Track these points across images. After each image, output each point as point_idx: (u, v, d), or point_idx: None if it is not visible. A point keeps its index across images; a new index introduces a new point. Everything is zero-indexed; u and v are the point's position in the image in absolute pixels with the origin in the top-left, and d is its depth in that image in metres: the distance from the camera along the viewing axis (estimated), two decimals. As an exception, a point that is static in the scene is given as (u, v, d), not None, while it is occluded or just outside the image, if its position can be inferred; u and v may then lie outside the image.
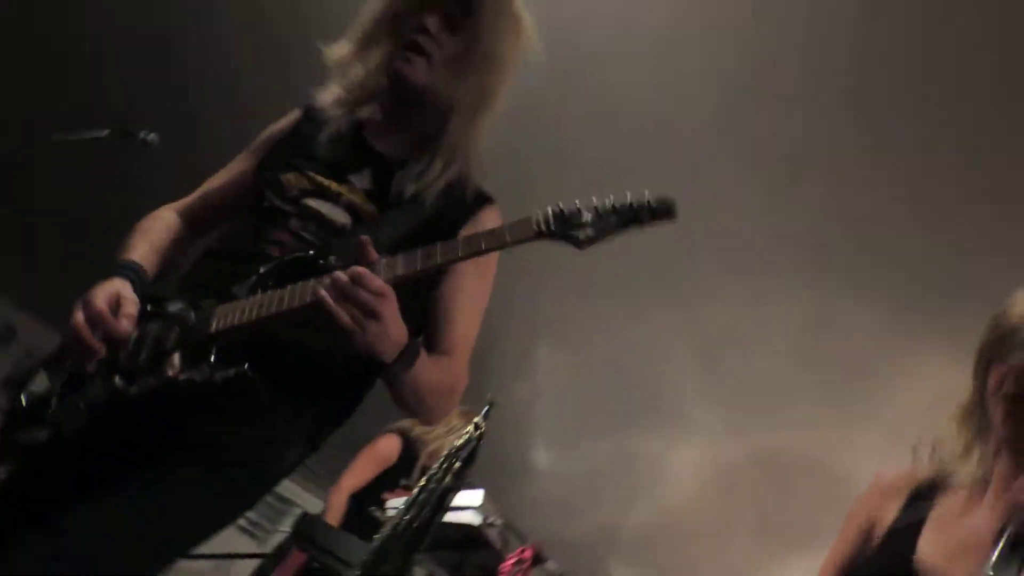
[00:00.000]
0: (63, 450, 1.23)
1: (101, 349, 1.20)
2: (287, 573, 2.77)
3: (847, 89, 2.80)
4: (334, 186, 1.39)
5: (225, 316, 1.22)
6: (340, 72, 1.50)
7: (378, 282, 1.13)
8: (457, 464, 2.34)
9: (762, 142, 3.04)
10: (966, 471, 1.27)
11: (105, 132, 2.23)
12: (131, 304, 1.25)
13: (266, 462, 1.30)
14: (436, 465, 2.39)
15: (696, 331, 3.59)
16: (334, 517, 2.98)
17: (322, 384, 1.34)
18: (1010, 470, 1.22)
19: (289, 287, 1.21)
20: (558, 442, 4.15)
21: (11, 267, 4.64)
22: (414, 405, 1.30)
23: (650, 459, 4.03)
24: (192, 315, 1.26)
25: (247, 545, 4.44)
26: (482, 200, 1.46)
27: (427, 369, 1.26)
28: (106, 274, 1.32)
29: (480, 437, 2.37)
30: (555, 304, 3.68)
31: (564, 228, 1.10)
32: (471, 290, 1.42)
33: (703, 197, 3.08)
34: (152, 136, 2.31)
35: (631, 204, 1.09)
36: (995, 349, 1.24)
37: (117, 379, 1.21)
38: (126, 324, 1.22)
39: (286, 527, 4.55)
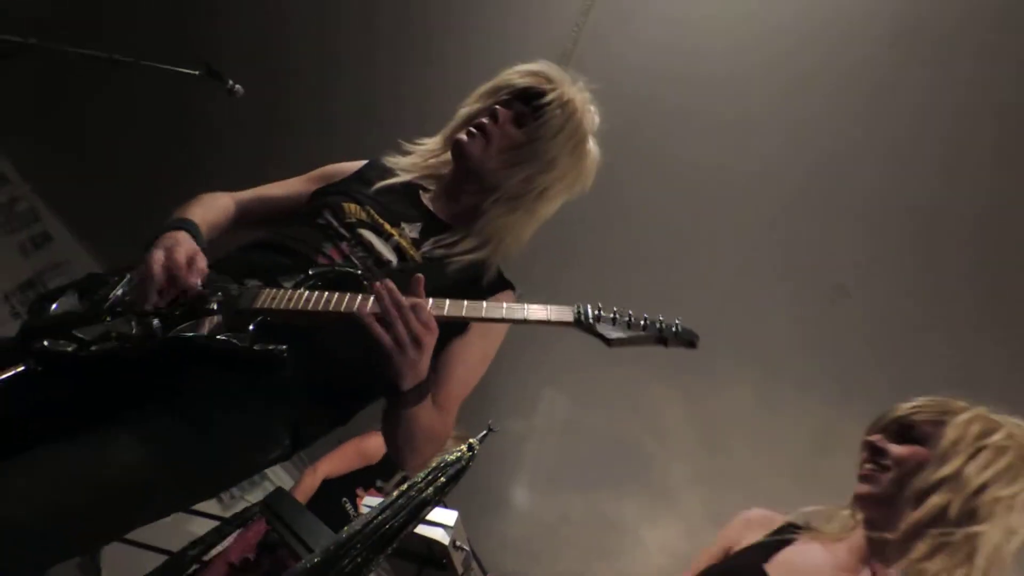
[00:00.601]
0: (74, 370, 1.25)
1: (174, 294, 1.27)
2: (246, 542, 2.76)
3: (908, 223, 2.82)
4: (387, 227, 1.50)
5: (271, 298, 1.29)
6: (419, 156, 1.67)
7: (431, 316, 1.21)
8: (442, 479, 2.34)
9: (810, 254, 3.05)
10: (829, 526, 1.47)
11: (197, 72, 2.28)
12: (204, 261, 1.33)
13: (250, 450, 1.33)
14: (422, 474, 2.38)
15: (700, 416, 3.57)
16: (303, 496, 2.97)
17: (334, 392, 1.41)
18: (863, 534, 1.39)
19: (337, 293, 1.27)
20: (539, 486, 4.12)
21: (60, 175, 4.71)
22: (404, 444, 1.36)
23: (623, 526, 3.99)
24: (237, 287, 1.34)
25: (210, 506, 4.41)
26: (502, 284, 1.57)
27: (427, 412, 1.34)
28: (153, 209, 1.42)
29: (471, 459, 2.37)
30: (569, 354, 3.67)
31: (599, 326, 1.21)
32: (476, 356, 1.51)
33: (736, 289, 3.11)
34: (239, 87, 2.37)
35: (662, 325, 1.22)
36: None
37: (156, 322, 1.26)
38: (196, 280, 1.28)
39: (253, 498, 4.53)
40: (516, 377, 3.57)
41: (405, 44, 3.37)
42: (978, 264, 2.73)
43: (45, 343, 1.25)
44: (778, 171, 3.02)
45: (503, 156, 1.53)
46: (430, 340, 1.22)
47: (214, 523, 3.77)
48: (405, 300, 1.20)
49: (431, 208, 1.60)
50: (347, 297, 1.26)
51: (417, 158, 1.68)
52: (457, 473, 2.35)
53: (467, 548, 2.69)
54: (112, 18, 3.53)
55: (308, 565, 2.14)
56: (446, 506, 2.64)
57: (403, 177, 1.63)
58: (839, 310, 3.09)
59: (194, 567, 2.87)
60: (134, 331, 1.26)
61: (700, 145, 3.10)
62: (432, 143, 1.69)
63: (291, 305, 1.27)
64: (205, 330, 1.25)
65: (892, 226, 2.90)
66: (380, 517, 2.24)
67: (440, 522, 2.59)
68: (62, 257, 4.96)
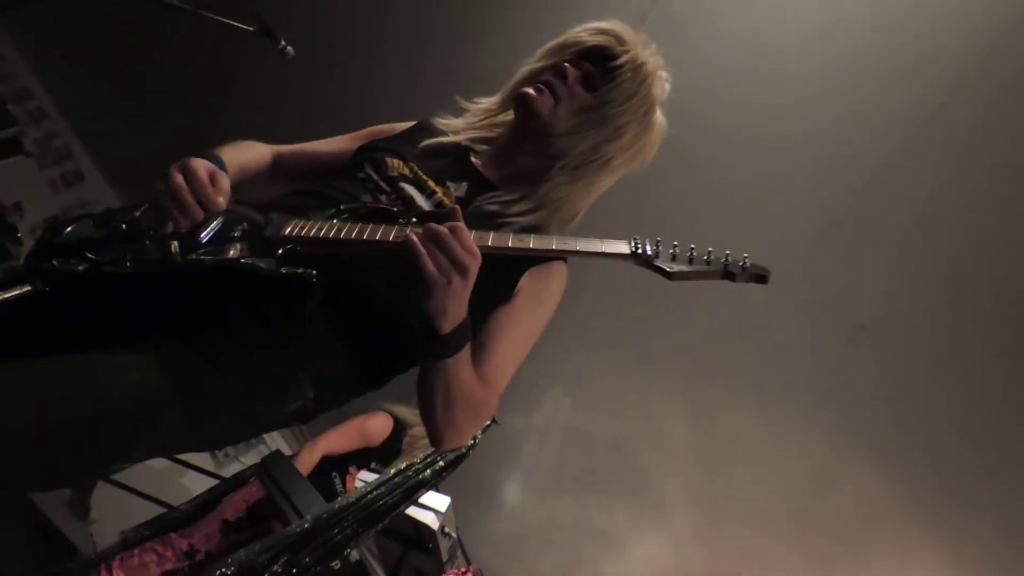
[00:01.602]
0: (85, 290, 1.18)
1: (197, 213, 1.19)
2: (239, 502, 2.76)
3: (935, 276, 2.79)
4: (431, 183, 1.42)
5: (299, 227, 1.21)
6: (473, 115, 1.58)
7: (473, 242, 1.13)
8: (441, 463, 2.35)
9: (834, 291, 3.03)
10: None
11: (252, 28, 2.28)
12: (226, 181, 1.26)
13: (268, 399, 1.23)
14: (420, 455, 2.39)
15: (704, 436, 3.55)
16: (300, 470, 2.96)
17: (368, 347, 1.32)
18: None
19: (371, 224, 1.19)
20: (532, 485, 4.11)
21: (100, 117, 4.74)
22: (440, 409, 1.26)
23: (611, 536, 3.97)
24: (263, 216, 1.26)
25: (204, 461, 4.44)
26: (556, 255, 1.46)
27: (468, 370, 1.25)
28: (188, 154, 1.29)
29: (472, 447, 2.37)
30: (581, 358, 3.67)
31: (658, 256, 1.12)
32: (523, 327, 1.41)
33: (756, 315, 3.09)
34: (290, 49, 2.37)
35: (727, 259, 1.12)
36: None
37: (175, 245, 1.16)
38: (221, 199, 1.22)
39: (248, 460, 4.55)
40: (524, 372, 3.56)
41: (459, 10, 3.35)
42: (1000, 325, 2.70)
43: (54, 262, 1.17)
44: (811, 205, 3.00)
45: (571, 120, 1.43)
46: (474, 266, 1.12)
47: (206, 477, 3.82)
48: (442, 226, 1.12)
49: (480, 170, 1.50)
50: (381, 228, 1.17)
51: (472, 117, 1.59)
52: (456, 459, 2.35)
53: (455, 536, 2.70)
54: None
55: (298, 530, 2.15)
56: (440, 491, 2.64)
57: (452, 138, 1.55)
58: (856, 351, 3.06)
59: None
60: (151, 254, 1.17)
61: (737, 164, 3.07)
62: (489, 102, 1.59)
63: (320, 234, 1.18)
64: (231, 253, 1.16)
65: (919, 277, 2.87)
66: (375, 493, 2.25)
67: (432, 506, 2.59)
68: (91, 197, 5.01)
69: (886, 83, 2.76)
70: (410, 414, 3.16)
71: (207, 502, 2.89)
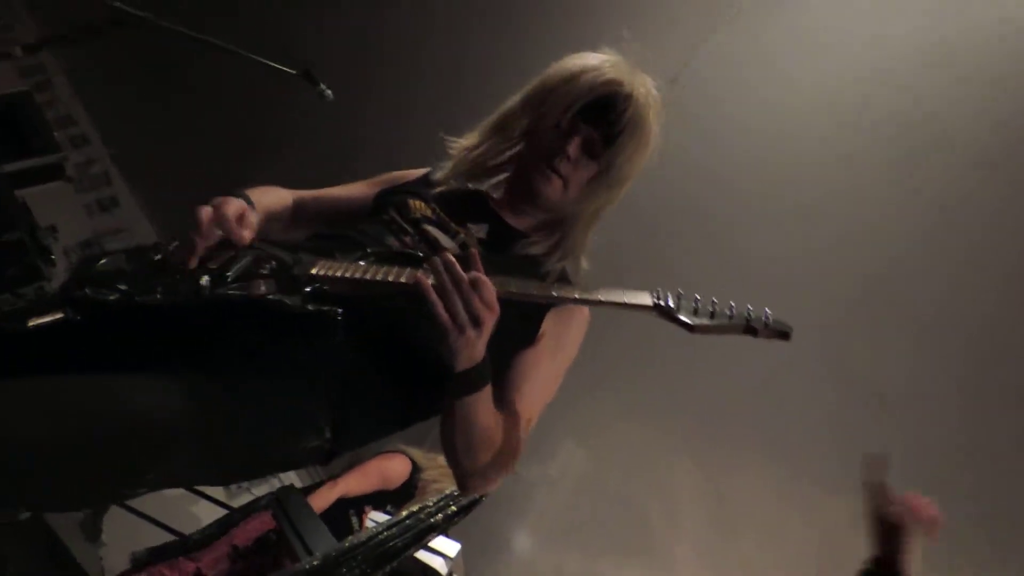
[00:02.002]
0: (114, 321, 1.18)
1: (219, 252, 1.21)
2: (249, 531, 2.77)
3: (961, 351, 2.77)
4: (454, 225, 1.44)
5: (326, 267, 1.22)
6: (461, 156, 1.56)
7: (493, 295, 1.13)
8: (453, 508, 2.34)
9: (857, 360, 3.01)
10: None
11: (295, 72, 2.35)
12: (255, 217, 1.29)
13: (284, 434, 1.22)
14: (433, 500, 2.39)
15: (716, 497, 3.51)
16: (317, 507, 2.95)
17: (391, 389, 1.32)
18: None
19: (396, 267, 1.20)
20: (542, 536, 4.06)
21: (139, 147, 4.85)
22: (462, 451, 1.25)
23: (619, 592, 3.92)
24: (291, 256, 1.27)
25: (217, 491, 4.44)
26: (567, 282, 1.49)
27: (487, 409, 1.23)
28: (220, 193, 1.32)
29: (485, 494, 2.37)
30: (597, 410, 3.65)
31: (680, 309, 1.12)
32: (547, 369, 1.41)
33: (777, 380, 3.07)
34: (329, 92, 2.43)
35: (750, 313, 1.12)
36: None
37: (205, 279, 1.19)
38: (248, 234, 1.25)
39: (260, 493, 4.55)
40: (539, 421, 3.55)
41: (491, 59, 3.42)
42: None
43: (87, 291, 1.18)
44: (837, 271, 2.99)
45: (579, 191, 1.46)
46: (490, 320, 1.13)
47: (218, 508, 3.82)
48: (464, 273, 1.11)
49: (499, 213, 1.52)
50: (406, 271, 1.18)
51: (459, 161, 1.57)
52: (469, 505, 2.35)
53: (462, 582, 2.68)
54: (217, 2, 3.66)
55: (307, 566, 2.15)
56: (450, 536, 2.63)
57: (454, 186, 1.56)
58: (876, 422, 3.03)
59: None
60: (181, 287, 1.18)
61: (760, 231, 3.08)
62: (471, 140, 1.57)
63: (346, 274, 1.19)
64: (259, 291, 1.17)
65: (944, 351, 2.84)
66: (385, 534, 2.25)
67: (442, 551, 2.58)
68: (124, 224, 5.11)
69: (916, 151, 2.78)
70: (423, 457, 3.15)
71: (217, 532, 2.90)
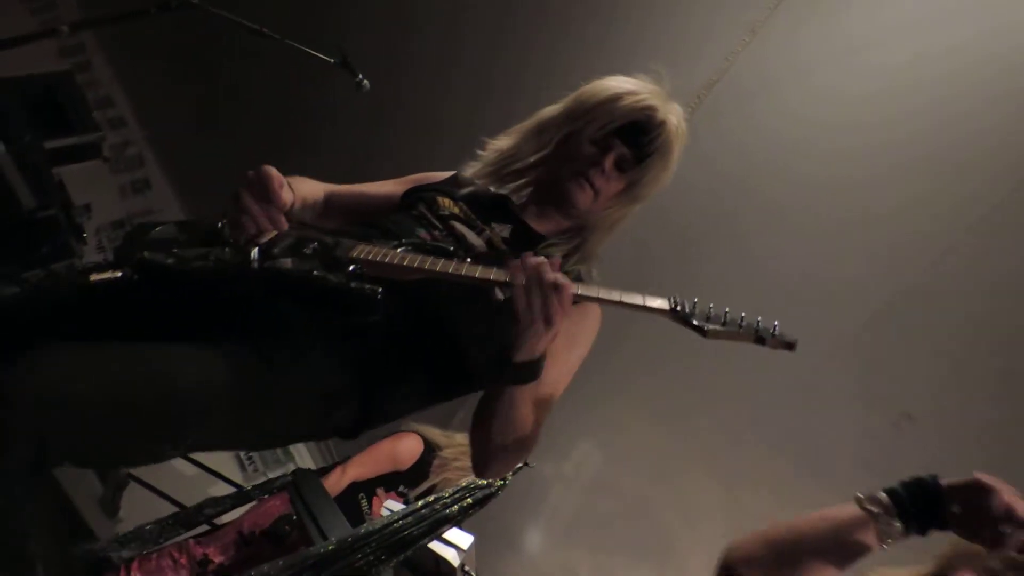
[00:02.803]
0: (167, 286, 1.27)
1: (279, 223, 1.29)
2: (257, 517, 2.79)
3: (989, 370, 2.74)
4: (480, 223, 1.52)
5: (366, 251, 1.28)
6: (493, 156, 1.66)
7: (570, 299, 1.21)
8: (469, 500, 2.35)
9: (885, 377, 2.99)
10: None
11: (333, 60, 2.38)
12: (291, 192, 1.37)
13: (315, 403, 1.28)
14: (449, 491, 2.40)
15: (736, 512, 3.50)
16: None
17: (421, 366, 1.38)
18: None
19: (431, 257, 1.26)
20: (554, 534, 4.07)
21: (175, 130, 4.91)
22: (497, 433, 1.32)
23: (628, 597, 3.91)
24: (332, 239, 1.33)
25: (234, 473, 4.49)
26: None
27: (529, 404, 1.32)
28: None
29: (502, 487, 2.38)
30: (618, 412, 3.66)
31: (695, 316, 1.17)
32: (562, 365, 1.46)
33: (803, 395, 3.05)
34: (366, 82, 2.45)
35: (759, 323, 1.17)
36: None
37: (255, 252, 1.25)
38: (288, 196, 1.34)
39: (273, 475, 4.59)
40: (558, 419, 3.55)
41: (520, 67, 3.44)
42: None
43: (145, 253, 1.27)
44: (866, 289, 2.97)
45: (606, 203, 1.58)
46: (561, 321, 1.21)
47: (233, 488, 3.85)
48: (552, 275, 1.19)
49: (521, 215, 1.61)
50: (441, 261, 1.24)
51: (489, 162, 1.66)
52: (485, 498, 2.36)
53: (474, 575, 2.68)
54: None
55: (321, 550, 2.17)
56: (464, 529, 2.64)
57: (480, 186, 1.65)
58: (902, 439, 3.01)
59: (204, 527, 2.92)
60: (230, 257, 1.26)
61: (789, 245, 3.07)
62: (505, 144, 1.66)
63: (386, 259, 1.26)
64: (302, 267, 1.24)
65: (972, 369, 2.82)
66: (401, 522, 2.26)
67: (455, 543, 2.59)
68: (156, 206, 5.18)
69: (949, 170, 2.75)
70: (441, 436, 3.16)
71: (230, 507, 2.94)
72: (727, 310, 1.19)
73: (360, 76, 2.44)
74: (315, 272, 1.21)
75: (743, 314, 1.19)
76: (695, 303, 1.19)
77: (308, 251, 1.27)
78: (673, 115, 1.54)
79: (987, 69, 2.62)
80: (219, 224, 1.33)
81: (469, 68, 3.67)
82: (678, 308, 1.18)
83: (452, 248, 1.35)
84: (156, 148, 5.13)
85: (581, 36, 3.37)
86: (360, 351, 1.30)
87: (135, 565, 2.85)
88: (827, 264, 2.97)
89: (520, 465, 2.42)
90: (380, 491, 3.02)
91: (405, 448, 3.10)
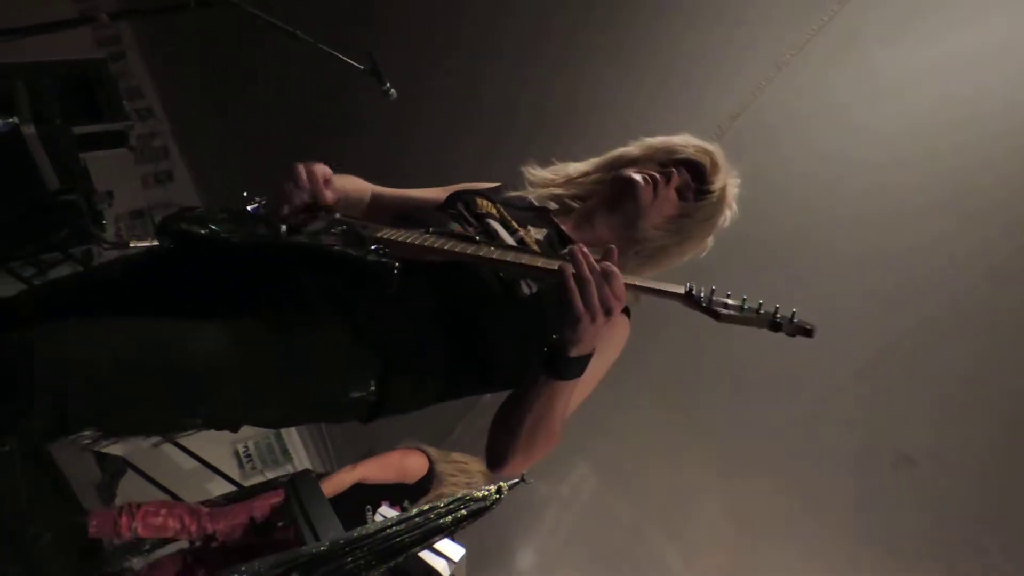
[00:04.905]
0: (201, 259, 1.34)
1: (304, 210, 1.36)
2: (266, 505, 2.81)
3: (991, 417, 2.73)
4: (515, 224, 1.53)
5: (392, 233, 1.33)
6: (557, 174, 1.71)
7: (623, 287, 1.20)
8: (463, 512, 2.36)
9: (885, 416, 2.98)
10: None
11: (362, 67, 2.41)
12: (337, 181, 1.42)
13: (327, 380, 1.29)
14: (445, 501, 2.40)
15: (731, 539, 3.49)
16: (331, 489, 2.96)
17: (442, 354, 1.37)
18: None
19: (457, 242, 1.30)
20: (546, 556, 4.06)
21: (201, 125, 4.96)
22: (528, 426, 1.30)
23: (616, 623, 3.89)
24: (361, 223, 1.40)
25: (231, 470, 4.51)
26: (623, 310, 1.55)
27: (566, 401, 1.31)
28: (274, 178, 1.43)
29: (497, 501, 2.38)
30: (619, 439, 3.66)
31: (710, 299, 1.17)
32: (587, 372, 1.42)
33: (802, 430, 3.05)
34: (393, 91, 2.48)
35: (777, 311, 1.17)
36: None
37: (284, 227, 1.32)
38: (331, 195, 1.38)
39: (271, 475, 4.61)
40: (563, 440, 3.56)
41: (546, 93, 3.48)
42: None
43: (182, 224, 1.36)
44: (874, 327, 2.97)
45: (657, 219, 1.58)
46: (619, 309, 1.20)
47: (231, 485, 3.87)
48: (599, 264, 1.19)
49: (560, 225, 1.62)
50: (478, 247, 1.27)
51: (556, 175, 1.71)
52: (479, 511, 2.36)
53: (463, 588, 2.69)
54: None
55: (313, 551, 2.18)
56: (456, 541, 2.64)
57: (532, 193, 1.69)
58: (899, 479, 2.99)
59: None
60: (260, 231, 1.34)
61: (801, 277, 3.07)
62: (577, 169, 1.71)
63: (411, 241, 1.30)
64: (325, 242, 1.29)
65: (973, 415, 2.81)
66: (394, 528, 2.27)
67: (447, 554, 2.59)
68: (177, 199, 5.24)
69: (966, 216, 2.76)
70: (437, 453, 3.21)
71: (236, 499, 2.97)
72: (744, 297, 1.19)
73: (388, 84, 2.47)
74: (336, 248, 1.25)
75: (760, 302, 1.19)
76: (712, 289, 1.19)
77: (336, 230, 1.32)
78: (732, 179, 1.63)
79: (1010, 117, 2.63)
80: (257, 204, 1.42)
81: (496, 90, 3.71)
82: (692, 292, 1.18)
83: (480, 239, 1.36)
84: (181, 141, 5.19)
85: (610, 61, 3.40)
86: (381, 335, 1.31)
87: (140, 513, 2.88)
88: (838, 299, 2.97)
89: (516, 480, 2.43)
90: (385, 505, 3.03)
91: (412, 463, 3.16)
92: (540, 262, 1.24)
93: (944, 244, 2.80)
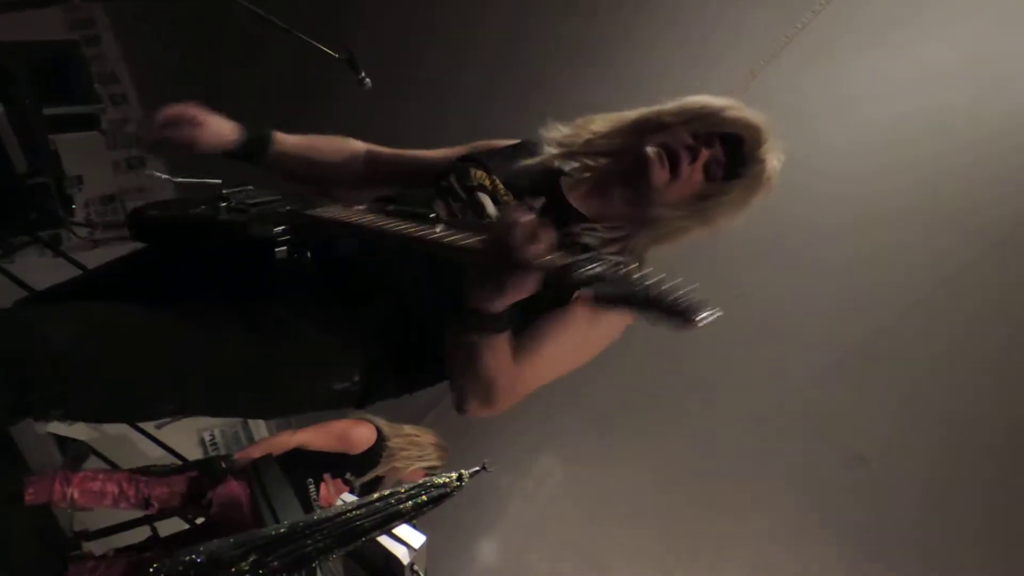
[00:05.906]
0: (163, 246, 1.38)
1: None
2: (224, 494, 2.81)
3: (943, 419, 2.79)
4: (504, 195, 1.46)
5: (323, 210, 1.35)
6: (580, 130, 1.54)
7: (542, 237, 1.03)
8: (424, 498, 2.37)
9: (839, 418, 3.04)
10: None
11: (338, 55, 2.43)
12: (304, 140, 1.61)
13: (311, 371, 1.29)
14: (405, 487, 2.42)
15: (682, 530, 3.53)
16: (271, 448, 2.97)
17: (406, 351, 1.36)
18: None
19: (395, 220, 1.26)
20: (508, 544, 4.09)
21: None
22: (458, 370, 1.26)
23: (575, 620, 3.92)
24: (302, 202, 1.42)
25: (197, 456, 4.49)
26: None
27: (492, 354, 1.22)
28: (248, 167, 1.55)
29: (458, 488, 2.40)
30: (581, 427, 3.69)
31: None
32: (574, 334, 1.37)
33: (757, 434, 3.10)
34: (368, 81, 2.50)
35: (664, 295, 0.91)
36: None
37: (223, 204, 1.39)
38: (210, 135, 1.56)
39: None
40: (522, 433, 3.59)
41: (532, 72, 3.50)
42: (1000, 473, 2.70)
43: (149, 211, 1.42)
44: (833, 331, 3.03)
45: (676, 199, 1.43)
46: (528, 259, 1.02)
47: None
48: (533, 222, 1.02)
49: (566, 194, 1.49)
50: (395, 222, 1.22)
51: (575, 134, 1.54)
52: (439, 497, 2.37)
53: (422, 575, 2.69)
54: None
55: (273, 533, 2.19)
56: (417, 528, 2.65)
57: (545, 156, 1.54)
58: (851, 480, 3.06)
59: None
60: (208, 213, 1.37)
61: (764, 280, 3.12)
62: (599, 125, 1.53)
63: (344, 217, 1.29)
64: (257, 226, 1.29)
65: (925, 416, 2.88)
66: (353, 512, 2.28)
67: (407, 541, 2.60)
68: (147, 184, 5.20)
69: (927, 226, 2.82)
70: (387, 426, 3.19)
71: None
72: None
73: (363, 74, 2.49)
74: (223, 216, 1.32)
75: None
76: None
77: (282, 209, 1.37)
78: (776, 157, 1.43)
79: (974, 132, 2.69)
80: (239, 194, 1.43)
81: (474, 82, 3.73)
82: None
83: (432, 215, 1.28)
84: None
85: (586, 63, 3.43)
86: (361, 323, 1.31)
87: (76, 479, 2.87)
88: (799, 303, 3.04)
89: (477, 469, 2.45)
90: (327, 477, 3.01)
91: (359, 433, 3.11)
92: (448, 240, 1.13)
93: (903, 253, 2.87)
